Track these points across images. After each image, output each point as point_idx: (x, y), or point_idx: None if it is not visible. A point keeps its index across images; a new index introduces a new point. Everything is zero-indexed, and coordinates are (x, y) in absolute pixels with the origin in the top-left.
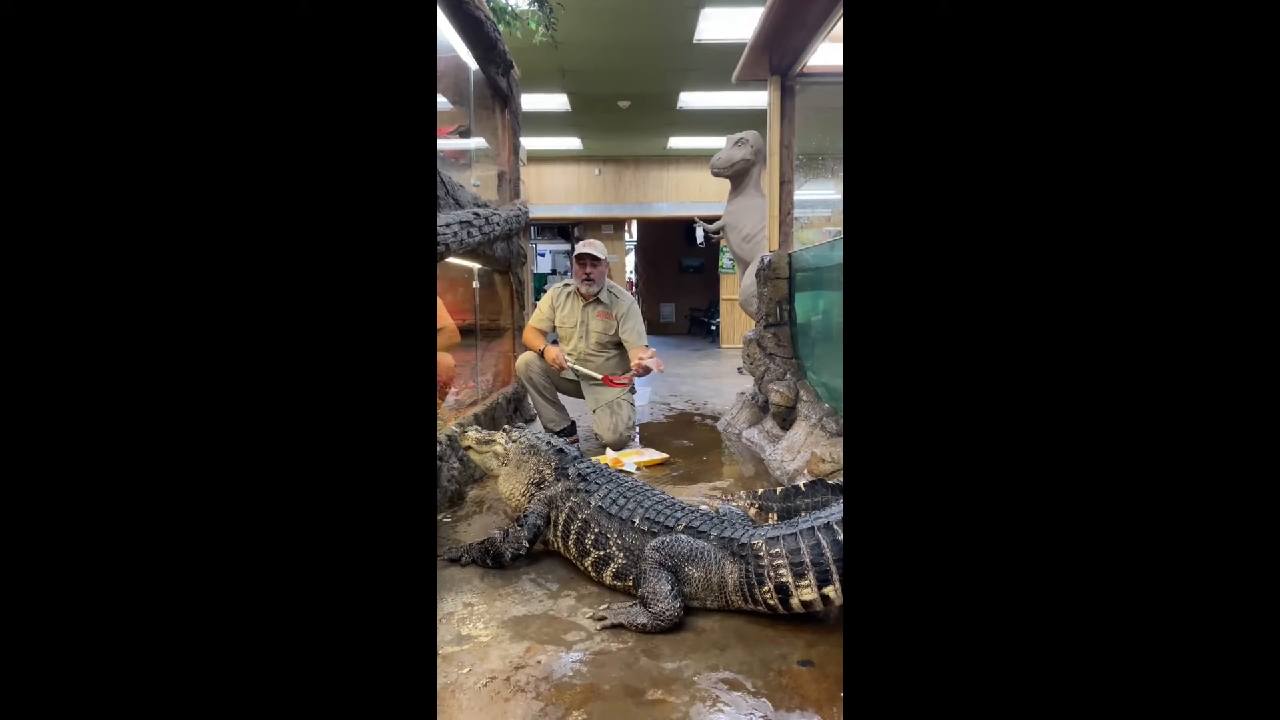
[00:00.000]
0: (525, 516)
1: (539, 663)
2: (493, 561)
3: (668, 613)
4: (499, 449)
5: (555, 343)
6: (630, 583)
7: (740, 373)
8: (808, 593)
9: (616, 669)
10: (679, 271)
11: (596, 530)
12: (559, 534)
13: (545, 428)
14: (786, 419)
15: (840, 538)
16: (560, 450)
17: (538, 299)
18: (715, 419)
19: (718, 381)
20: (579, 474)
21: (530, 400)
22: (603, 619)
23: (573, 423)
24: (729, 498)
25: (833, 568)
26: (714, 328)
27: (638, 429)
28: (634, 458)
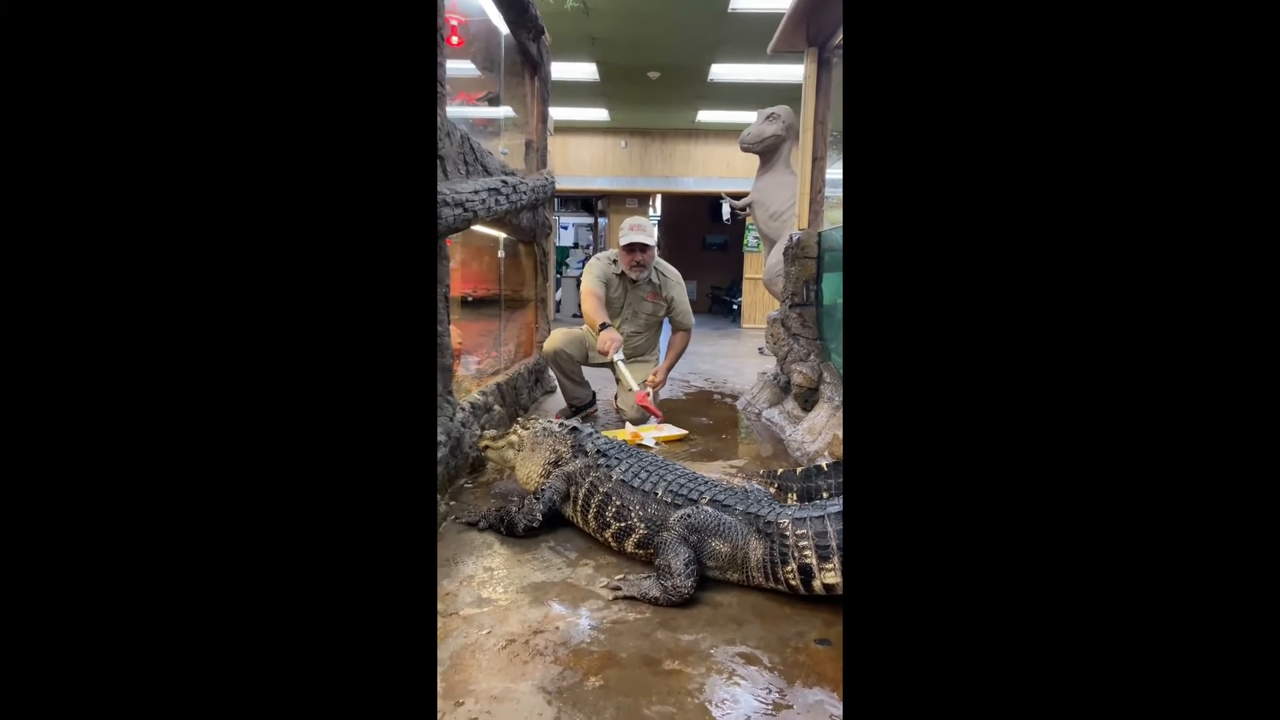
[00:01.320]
0: (542, 490)
1: (557, 628)
2: (506, 530)
3: (679, 588)
4: (514, 439)
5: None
6: (652, 550)
7: (761, 353)
8: (830, 576)
9: (634, 638)
10: (702, 249)
11: (618, 503)
12: (578, 509)
13: (569, 403)
14: (808, 400)
15: None
16: (575, 429)
17: (559, 272)
18: (735, 398)
19: (738, 361)
20: (598, 450)
21: (555, 381)
22: (617, 589)
23: (594, 393)
24: (748, 476)
25: None
26: (735, 307)
27: (657, 404)
28: (653, 433)
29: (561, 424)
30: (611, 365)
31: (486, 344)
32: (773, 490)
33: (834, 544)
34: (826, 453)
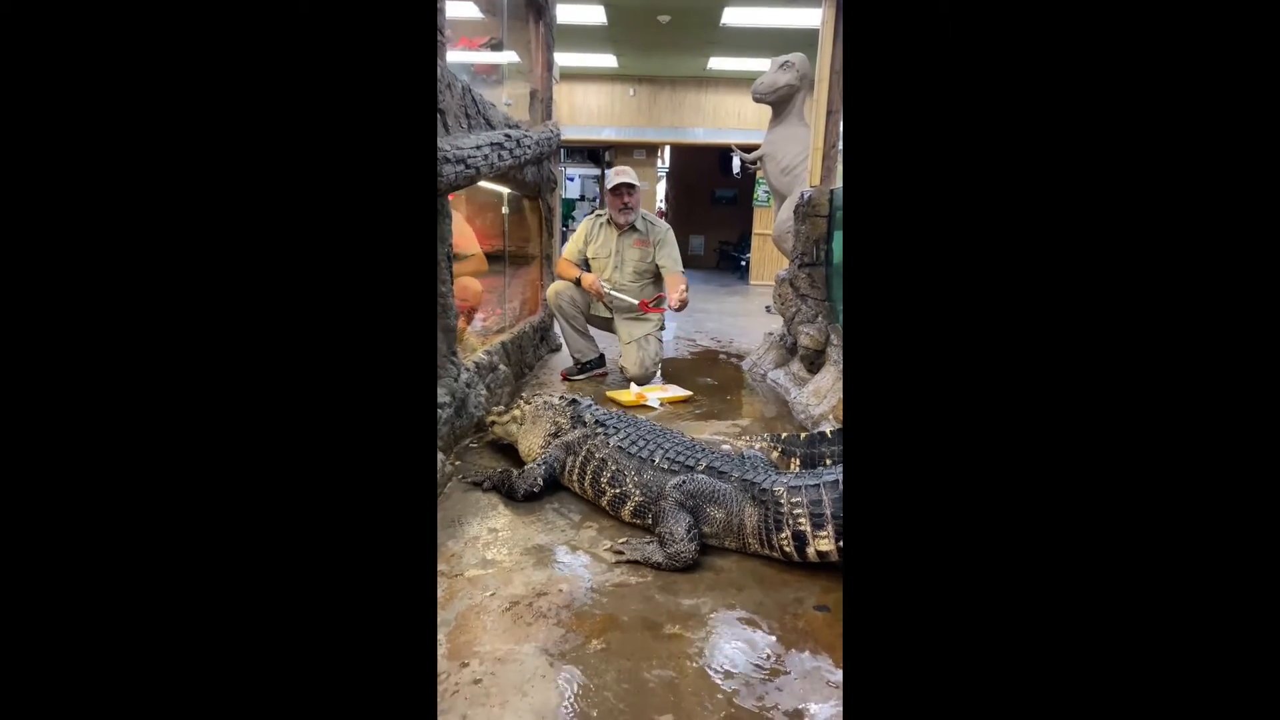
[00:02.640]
0: (542, 459)
1: (560, 590)
2: (506, 494)
3: (682, 554)
4: (516, 413)
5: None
6: (649, 520)
7: (769, 311)
8: (824, 543)
9: (635, 601)
10: (711, 202)
11: (613, 468)
12: (575, 476)
13: (573, 358)
14: (815, 362)
15: None
16: (574, 400)
17: (566, 225)
18: (741, 358)
19: (745, 320)
20: (596, 419)
21: (559, 330)
22: (620, 553)
23: (601, 355)
24: (750, 439)
25: None
26: (744, 263)
27: (661, 365)
28: (657, 393)
29: (562, 396)
30: (611, 301)
31: (491, 301)
32: (776, 455)
33: (828, 512)
34: (831, 416)
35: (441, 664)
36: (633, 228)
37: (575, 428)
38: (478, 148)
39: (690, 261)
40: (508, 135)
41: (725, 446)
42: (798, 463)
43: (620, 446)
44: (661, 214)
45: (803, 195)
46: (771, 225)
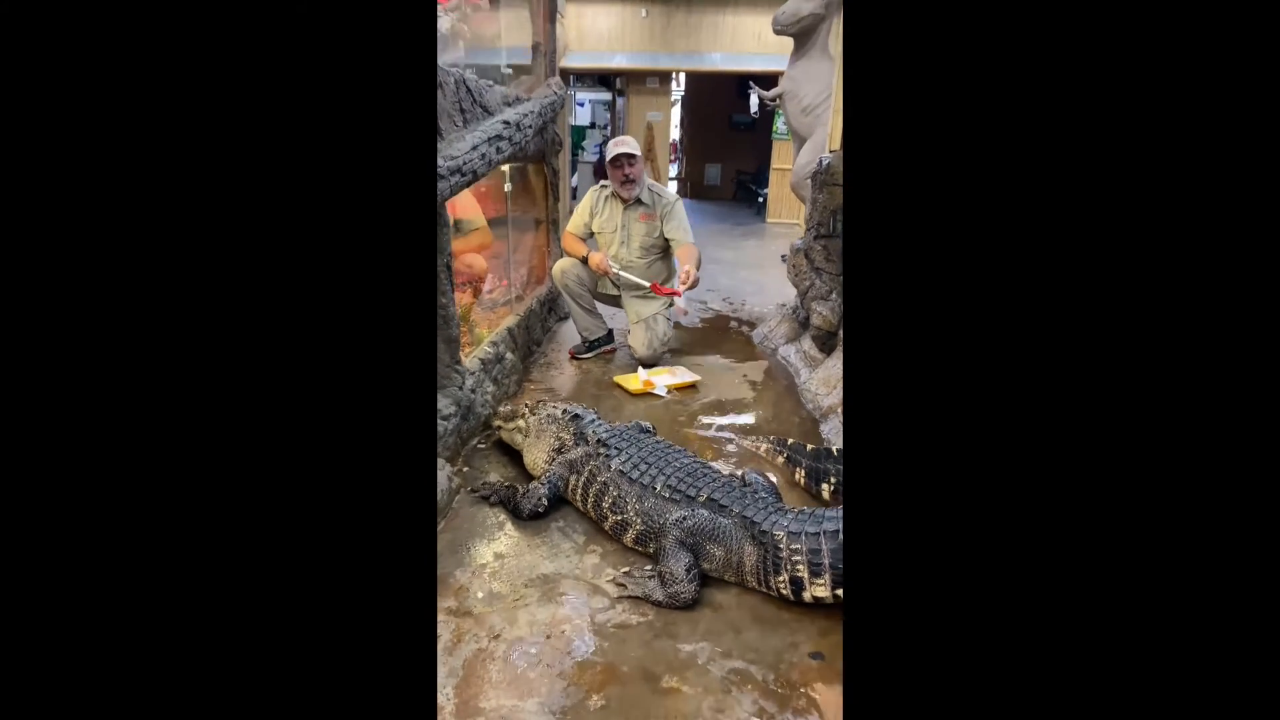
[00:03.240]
0: (545, 478)
1: (563, 633)
2: (512, 512)
3: (682, 595)
4: (521, 424)
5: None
6: (650, 548)
7: (784, 260)
8: (821, 590)
9: (636, 647)
10: (729, 128)
11: (615, 494)
12: (579, 496)
13: (581, 336)
14: (827, 344)
15: None
16: (575, 416)
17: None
18: (752, 326)
19: (760, 274)
20: (599, 439)
21: (566, 307)
22: (623, 586)
23: (609, 331)
24: (757, 440)
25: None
26: (761, 199)
27: (670, 343)
28: (666, 377)
29: (565, 410)
30: (620, 280)
31: (496, 270)
32: (780, 460)
33: (826, 561)
34: (838, 411)
35: None
36: (638, 201)
37: (578, 445)
38: (474, 148)
39: (706, 193)
40: (506, 123)
41: (730, 447)
42: (801, 473)
43: (622, 471)
44: (675, 148)
45: (820, 162)
46: (791, 160)
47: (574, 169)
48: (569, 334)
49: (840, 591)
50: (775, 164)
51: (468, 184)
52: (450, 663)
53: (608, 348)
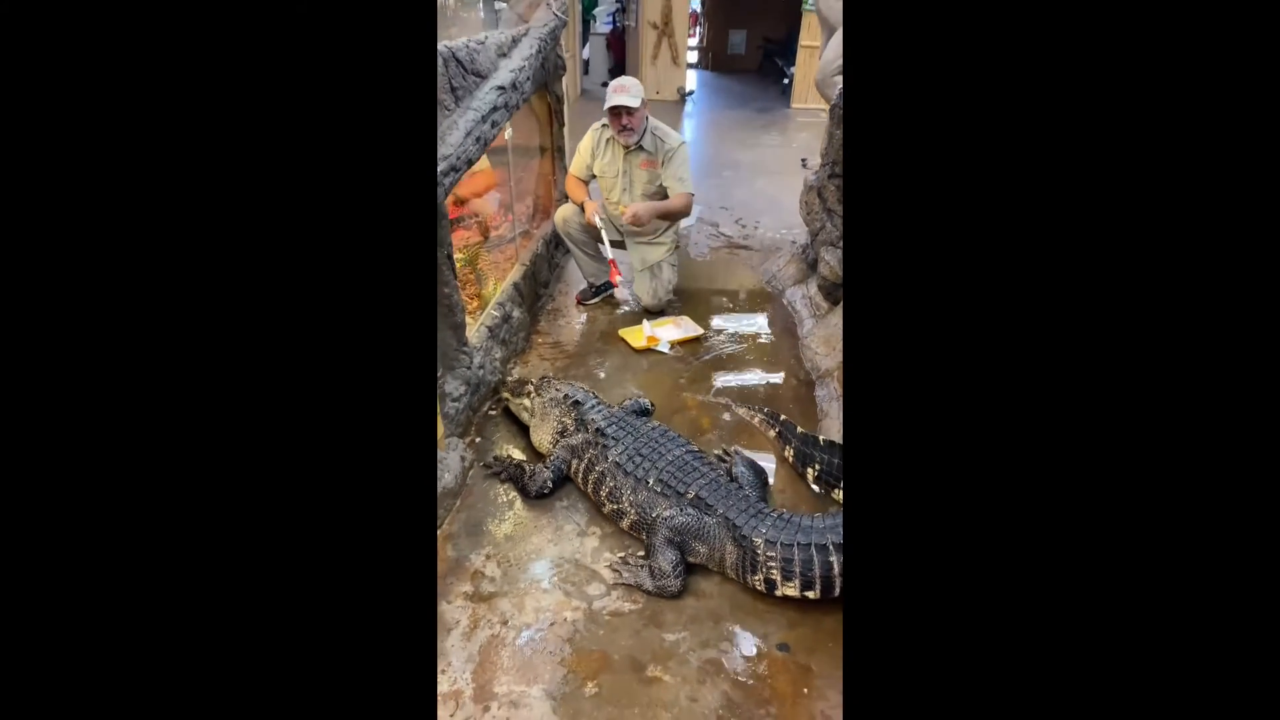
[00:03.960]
0: (550, 461)
1: (565, 620)
2: (519, 491)
3: (668, 588)
4: (526, 403)
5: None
6: (643, 535)
7: (805, 166)
8: (791, 590)
9: (626, 635)
10: None
11: (611, 484)
12: (580, 479)
13: (587, 281)
14: (833, 294)
15: (832, 559)
16: (576, 402)
17: (585, 23)
18: (761, 259)
19: (778, 183)
20: (597, 428)
21: (571, 254)
22: (618, 573)
23: None
24: (751, 410)
25: (817, 580)
26: (787, 79)
27: (675, 290)
28: (670, 329)
29: (566, 395)
30: (621, 230)
31: (499, 208)
32: (773, 434)
33: (798, 570)
34: (834, 377)
35: (468, 706)
36: (640, 146)
37: (579, 431)
38: (467, 134)
39: (729, 63)
40: (500, 89)
41: (725, 416)
42: (791, 451)
43: (617, 462)
44: (696, 18)
45: (839, 97)
46: (820, 37)
47: (584, 41)
48: (576, 271)
49: (808, 593)
50: (803, 40)
51: (462, 171)
52: (469, 648)
53: (610, 292)
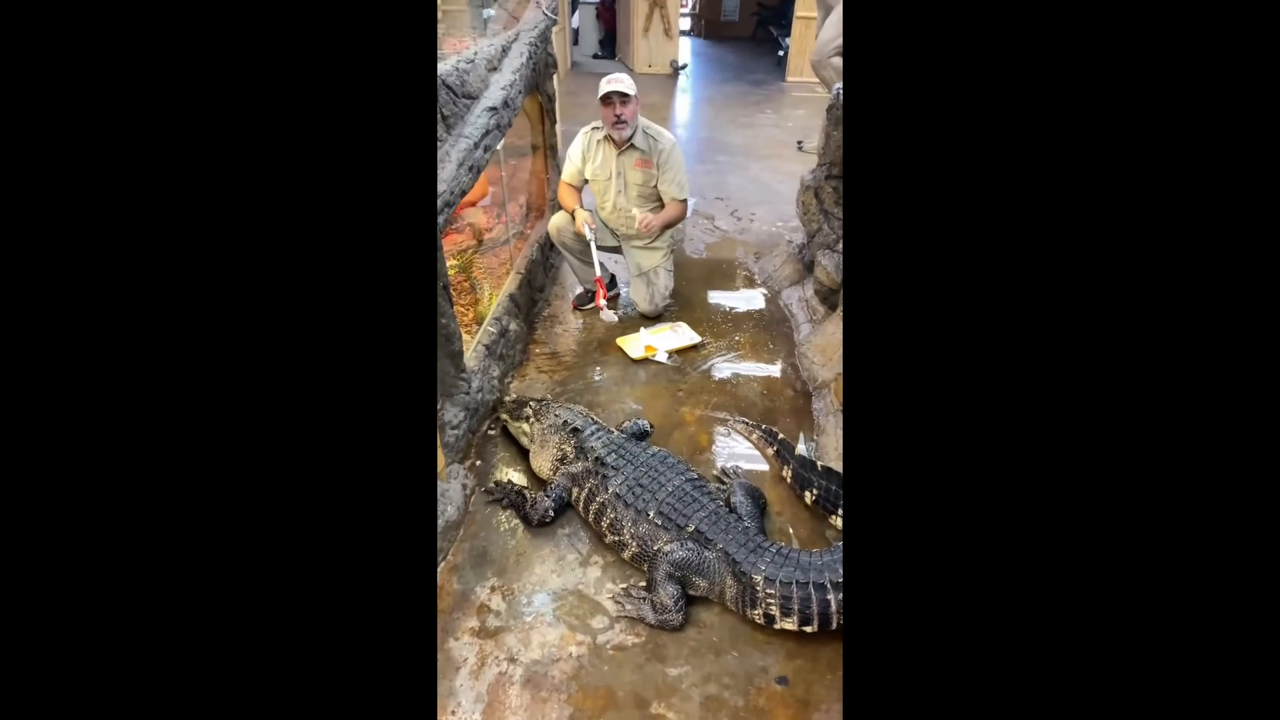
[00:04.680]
0: (551, 489)
1: (570, 655)
2: (521, 519)
3: (670, 622)
4: (525, 428)
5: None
6: (645, 566)
7: (801, 148)
8: (789, 625)
9: (629, 671)
10: None
11: (612, 516)
12: (581, 508)
13: (583, 287)
14: (829, 299)
15: (829, 598)
16: (575, 430)
17: None
18: (758, 255)
19: (773, 166)
20: (597, 458)
21: (566, 263)
22: (620, 604)
23: (612, 275)
24: (749, 425)
25: (815, 617)
26: (782, 52)
27: (672, 295)
28: (668, 336)
29: (565, 422)
30: (616, 235)
31: (492, 209)
32: (770, 452)
33: (796, 607)
34: (831, 389)
35: None
36: (632, 145)
37: (579, 459)
38: (460, 164)
39: (722, 30)
40: (492, 109)
41: (721, 432)
42: (790, 472)
43: (618, 494)
44: None
45: (837, 93)
46: (815, 6)
47: (574, 8)
48: (572, 274)
49: (806, 628)
50: (799, 10)
51: (455, 201)
52: (477, 687)
53: (611, 293)
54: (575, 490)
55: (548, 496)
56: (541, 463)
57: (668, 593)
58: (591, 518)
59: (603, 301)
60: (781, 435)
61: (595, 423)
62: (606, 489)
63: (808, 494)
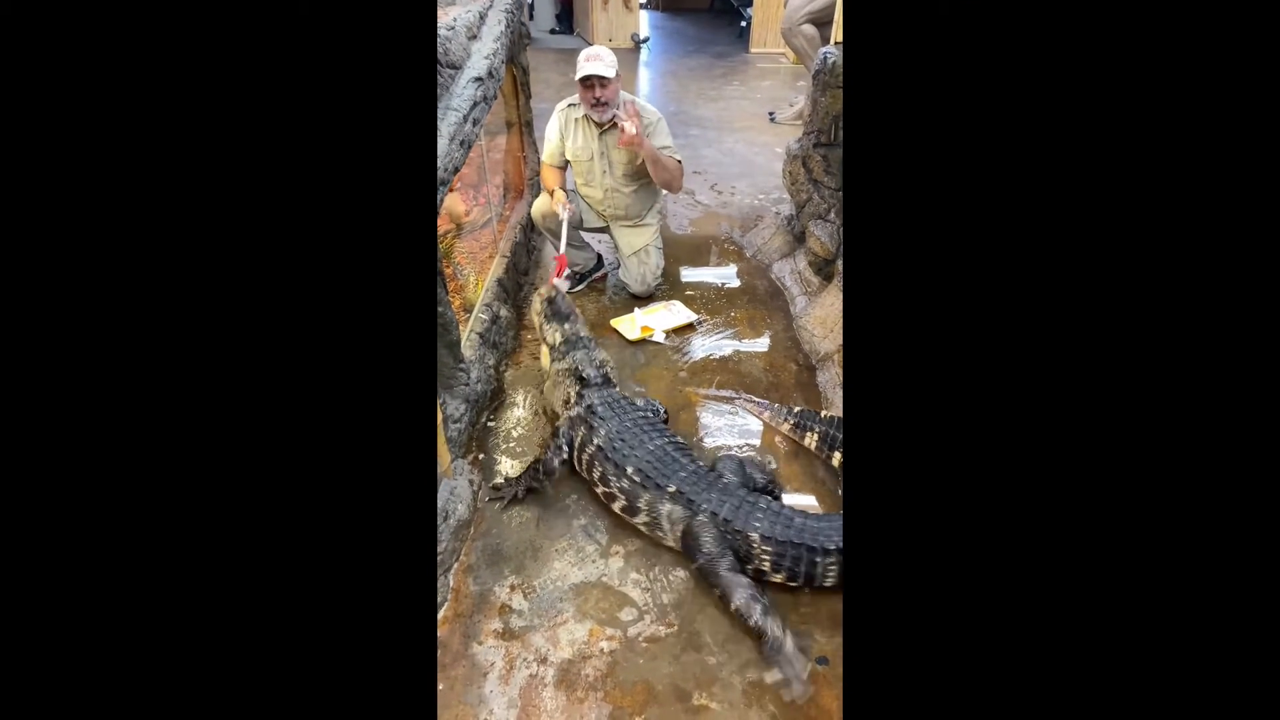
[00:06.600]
0: (558, 431)
1: (602, 651)
2: (545, 475)
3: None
4: (550, 339)
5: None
6: (637, 520)
7: (773, 119)
8: (779, 579)
9: (666, 662)
10: None
11: (600, 469)
12: (576, 457)
13: (571, 269)
14: (823, 270)
15: (824, 559)
16: (581, 378)
17: None
18: (743, 229)
19: (748, 139)
20: (588, 407)
21: (552, 246)
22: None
23: (598, 256)
24: (758, 403)
25: (802, 575)
26: (745, 22)
27: (663, 273)
28: (663, 315)
29: (573, 367)
30: (603, 215)
31: (465, 191)
32: (787, 427)
33: (787, 565)
34: (835, 359)
35: None
36: (614, 124)
37: (578, 404)
38: (451, 139)
39: (680, 2)
40: (478, 80)
41: (725, 410)
42: (814, 437)
43: (600, 447)
44: None
45: (825, 59)
46: None
47: None
48: (552, 253)
49: (793, 583)
50: None
51: (449, 178)
52: (509, 692)
53: (599, 274)
54: (573, 434)
55: (558, 438)
56: (554, 398)
57: (737, 592)
58: (584, 467)
59: (562, 275)
60: (799, 408)
61: (604, 375)
62: (593, 441)
63: (835, 455)
